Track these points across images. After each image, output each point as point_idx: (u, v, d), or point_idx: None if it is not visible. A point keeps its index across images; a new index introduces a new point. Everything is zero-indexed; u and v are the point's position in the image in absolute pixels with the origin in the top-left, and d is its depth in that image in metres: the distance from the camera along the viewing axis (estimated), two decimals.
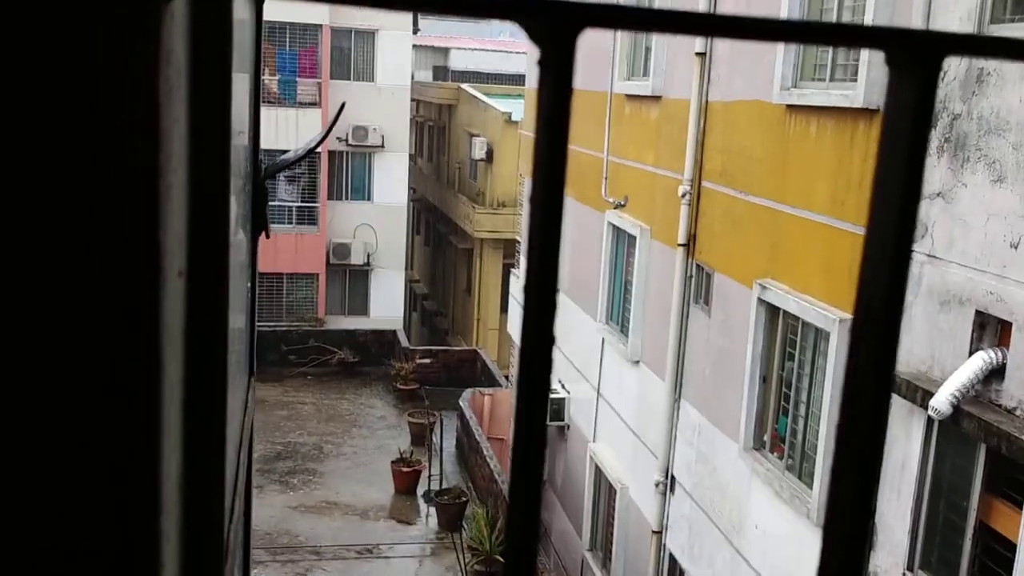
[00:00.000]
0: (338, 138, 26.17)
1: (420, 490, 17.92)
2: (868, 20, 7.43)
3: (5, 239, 0.49)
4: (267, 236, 1.84)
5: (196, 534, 0.80)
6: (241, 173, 1.55)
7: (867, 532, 0.48)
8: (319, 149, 25.56)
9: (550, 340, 0.41)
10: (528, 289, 0.39)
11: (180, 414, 0.72)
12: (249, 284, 1.80)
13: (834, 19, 8.20)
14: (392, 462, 18.11)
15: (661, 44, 11.51)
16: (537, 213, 0.39)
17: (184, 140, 0.65)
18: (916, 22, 6.86)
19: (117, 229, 0.49)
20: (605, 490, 13.23)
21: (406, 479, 17.90)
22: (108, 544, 0.55)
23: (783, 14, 8.66)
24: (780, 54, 8.71)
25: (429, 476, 17.77)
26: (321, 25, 25.72)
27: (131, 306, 0.51)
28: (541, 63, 0.37)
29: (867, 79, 7.40)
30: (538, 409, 0.41)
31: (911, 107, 0.44)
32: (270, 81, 25.60)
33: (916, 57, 0.44)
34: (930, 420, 6.59)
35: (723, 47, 10.08)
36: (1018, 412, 5.97)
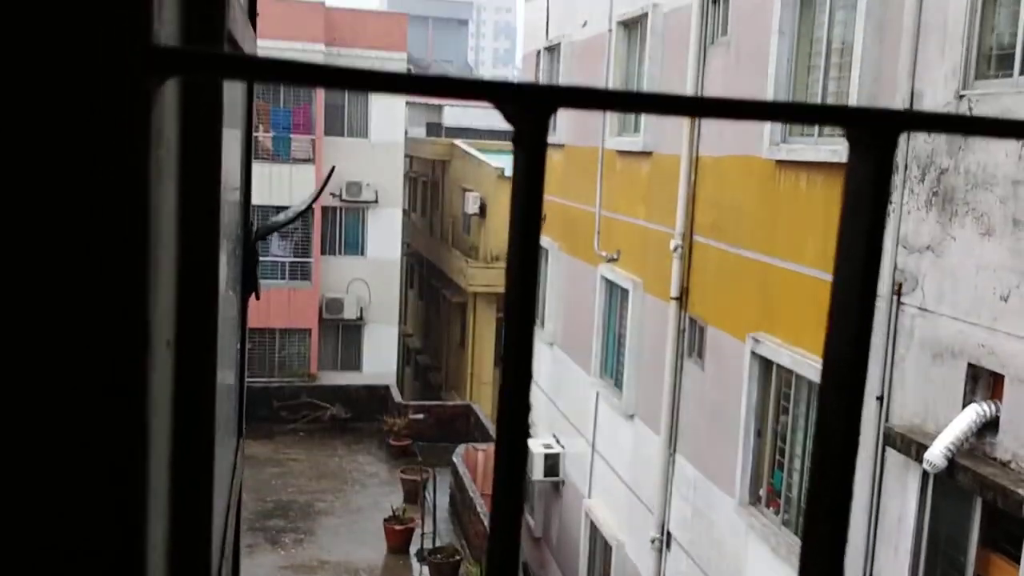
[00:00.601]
0: (332, 193, 26.31)
1: (413, 548, 17.67)
2: (855, 76, 7.55)
3: None
4: (257, 298, 1.85)
5: None
6: (232, 235, 1.56)
7: (843, 567, 0.49)
8: (312, 205, 25.69)
9: (526, 410, 0.41)
10: (505, 370, 0.40)
11: (167, 483, 0.72)
12: (239, 345, 1.80)
13: (821, 75, 8.33)
14: (385, 520, 17.90)
15: None
16: (512, 279, 0.39)
17: (173, 214, 0.66)
18: (902, 78, 6.98)
19: (105, 304, 0.50)
20: (601, 547, 13.08)
21: (399, 537, 17.67)
22: None
23: (771, 72, 8.80)
24: None
25: (422, 534, 17.55)
26: None
27: (117, 380, 0.51)
28: (515, 141, 0.38)
29: None
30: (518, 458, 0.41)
31: (869, 181, 0.46)
32: (264, 138, 25.82)
33: (873, 134, 0.46)
34: (925, 474, 6.56)
35: None
36: (1013, 465, 5.94)
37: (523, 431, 0.42)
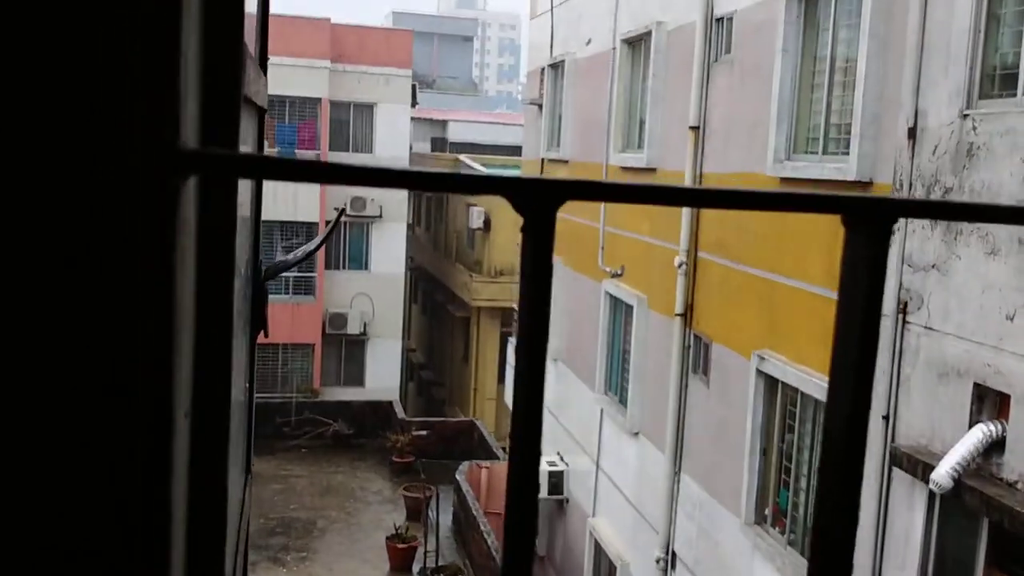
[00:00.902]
0: (336, 208, 26.35)
1: (416, 567, 17.60)
2: (858, 95, 7.55)
3: (21, 389, 0.52)
4: (266, 335, 1.85)
5: None
6: (243, 275, 1.56)
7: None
8: (317, 221, 25.76)
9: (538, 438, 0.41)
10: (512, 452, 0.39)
11: (185, 535, 0.73)
12: (247, 384, 1.80)
13: (824, 93, 8.33)
14: (387, 538, 17.84)
15: (656, 117, 11.68)
16: (522, 361, 0.39)
17: (191, 293, 0.69)
18: (906, 97, 6.97)
19: (135, 386, 0.53)
20: (605, 566, 13.01)
21: (401, 556, 17.60)
22: None
23: (774, 91, 8.81)
24: (773, 127, 8.83)
25: (425, 552, 17.48)
26: (320, 99, 26.13)
27: (145, 453, 0.54)
28: (523, 231, 0.38)
29: (859, 152, 7.49)
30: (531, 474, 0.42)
31: (867, 265, 0.47)
32: (270, 153, 25.88)
33: (869, 220, 0.47)
34: (932, 494, 6.52)
35: (717, 120, 10.23)
36: (1019, 486, 5.91)
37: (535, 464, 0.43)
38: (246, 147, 1.64)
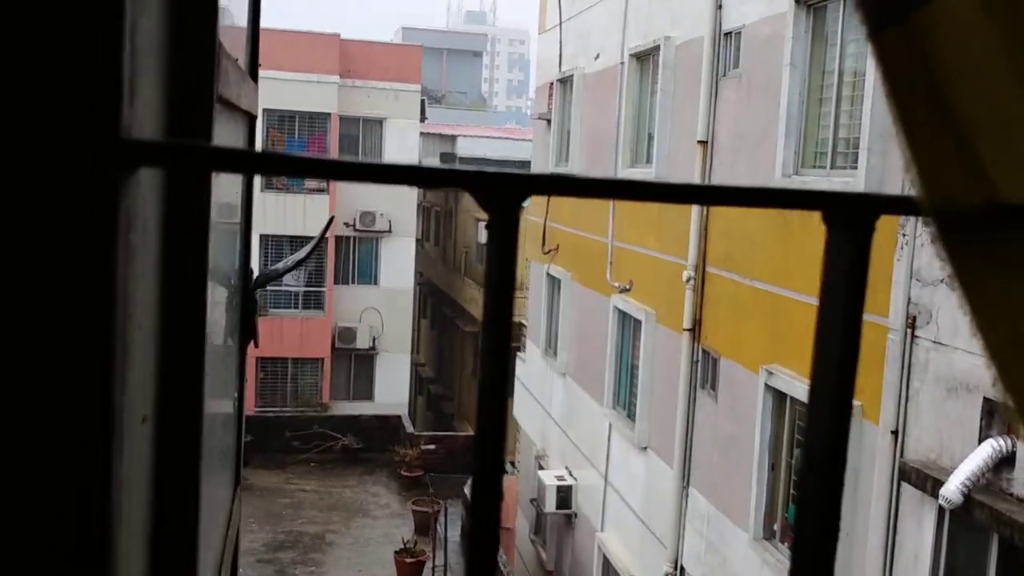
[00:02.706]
0: (345, 223, 26.47)
1: None
2: (867, 108, 7.55)
3: None
4: (256, 345, 1.85)
5: None
6: (230, 285, 1.56)
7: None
8: (327, 236, 25.82)
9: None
10: (480, 421, 0.40)
11: (147, 549, 0.71)
12: (236, 394, 1.80)
13: (833, 107, 8.34)
14: (395, 552, 17.80)
15: (664, 132, 11.70)
16: (486, 363, 0.39)
17: (154, 291, 0.67)
18: None
19: (70, 386, 0.51)
20: None
21: (410, 570, 17.55)
22: None
23: (782, 105, 8.81)
24: (781, 141, 8.84)
25: (433, 567, 17.43)
26: (330, 114, 26.24)
27: (82, 463, 0.52)
28: (488, 226, 0.38)
29: (867, 166, 7.49)
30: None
31: (847, 265, 0.46)
32: None
33: (851, 217, 0.46)
34: (941, 509, 6.48)
35: (725, 134, 10.24)
36: None
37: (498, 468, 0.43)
38: (237, 141, 1.63)
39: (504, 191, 0.37)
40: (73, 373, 0.50)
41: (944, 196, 0.45)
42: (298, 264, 3.46)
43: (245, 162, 0.41)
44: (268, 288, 25.63)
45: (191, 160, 0.45)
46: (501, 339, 0.38)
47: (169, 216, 0.72)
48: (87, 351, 0.50)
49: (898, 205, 0.50)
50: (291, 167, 0.39)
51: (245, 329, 1.74)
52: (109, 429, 0.52)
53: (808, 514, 0.49)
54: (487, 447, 0.39)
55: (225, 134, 1.33)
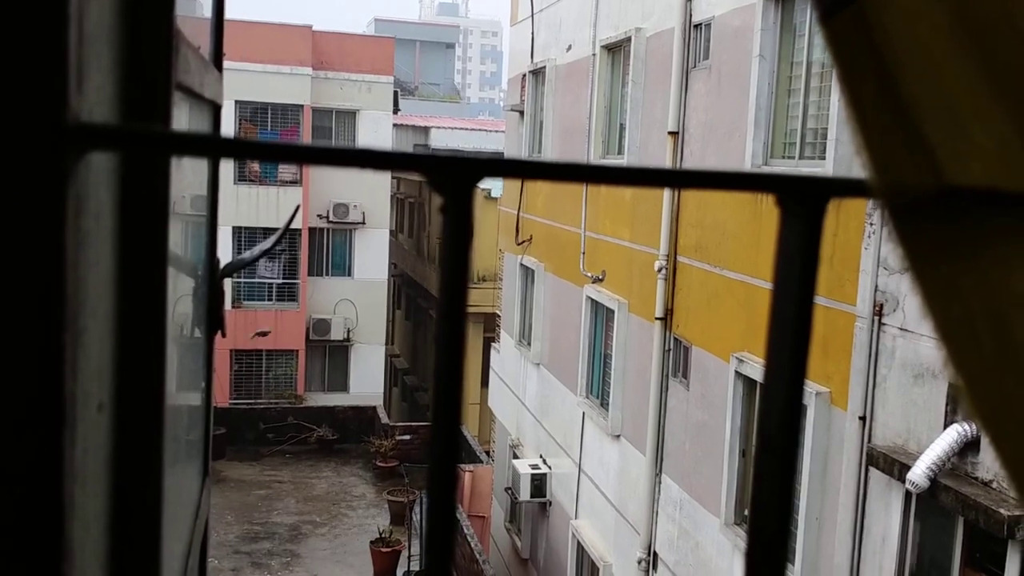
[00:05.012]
0: (319, 215, 26.34)
1: (400, 571, 17.58)
2: (835, 99, 7.64)
3: None
4: (223, 335, 1.86)
5: None
6: (195, 274, 1.57)
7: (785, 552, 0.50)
8: (300, 227, 25.69)
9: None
10: (434, 428, 0.42)
11: (106, 540, 0.72)
12: (204, 384, 1.81)
13: (801, 98, 8.42)
14: (371, 542, 17.80)
15: (635, 123, 11.75)
16: (441, 343, 0.42)
17: (108, 279, 0.67)
18: None
19: (13, 383, 0.50)
20: (588, 568, 13.04)
21: (385, 560, 17.57)
22: None
23: (751, 95, 8.89)
24: (751, 131, 8.91)
25: (409, 556, 17.46)
26: (303, 105, 26.08)
27: (30, 444, 0.51)
28: (442, 210, 0.41)
29: (835, 157, 7.57)
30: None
31: (800, 247, 0.48)
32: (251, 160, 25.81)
33: (803, 200, 0.47)
34: (908, 494, 6.59)
35: (695, 126, 10.31)
36: (994, 485, 5.99)
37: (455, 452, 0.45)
38: (203, 127, 1.64)
39: (456, 174, 0.40)
40: (20, 359, 0.50)
41: (893, 179, 0.45)
42: (265, 253, 3.45)
43: (194, 146, 0.43)
44: (242, 280, 25.48)
45: (141, 143, 0.46)
46: (456, 324, 0.40)
47: (125, 202, 0.72)
48: (35, 338, 0.50)
49: (850, 188, 0.51)
50: (246, 151, 0.40)
51: (212, 318, 1.75)
52: (60, 416, 0.51)
53: (763, 493, 0.50)
54: (446, 432, 0.41)
55: (188, 123, 1.34)
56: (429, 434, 0.44)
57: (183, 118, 1.25)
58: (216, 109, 1.81)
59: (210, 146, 0.42)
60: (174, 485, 1.17)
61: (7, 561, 0.52)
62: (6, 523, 0.51)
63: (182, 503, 1.40)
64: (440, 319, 0.41)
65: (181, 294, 1.28)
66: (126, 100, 0.73)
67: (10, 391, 0.50)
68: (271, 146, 0.40)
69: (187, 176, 1.34)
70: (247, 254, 3.47)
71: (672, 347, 10.70)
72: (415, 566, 17.27)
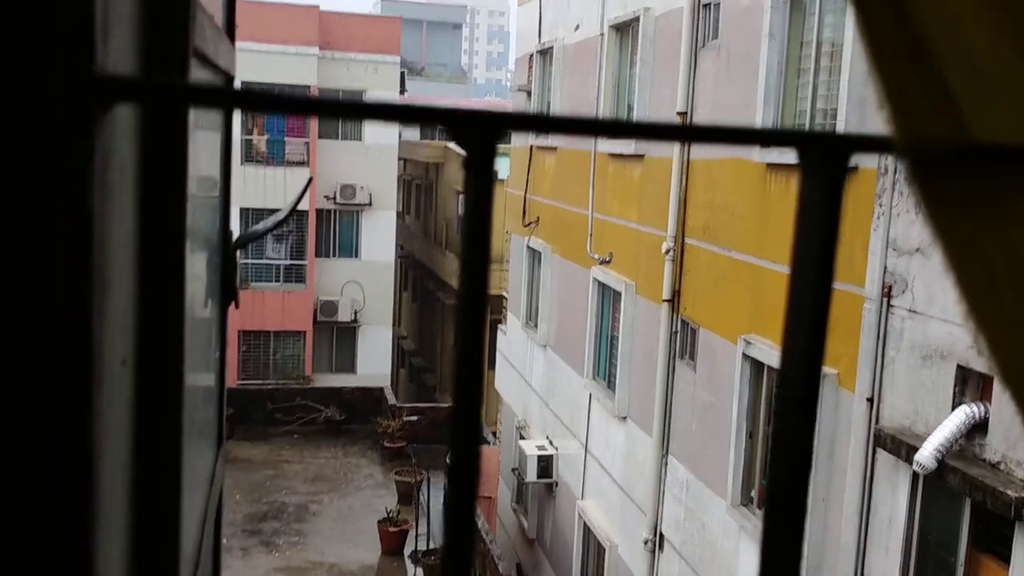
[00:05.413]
0: (326, 196, 26.35)
1: (407, 550, 17.69)
2: (844, 79, 7.59)
3: None
4: (236, 306, 1.86)
5: None
6: (210, 244, 1.58)
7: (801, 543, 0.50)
8: (307, 209, 25.70)
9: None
10: (457, 376, 0.42)
11: (126, 500, 0.73)
12: (218, 353, 1.82)
13: (811, 78, 8.37)
14: (379, 522, 17.91)
15: (643, 103, 11.70)
16: (462, 303, 0.42)
17: (130, 234, 0.67)
18: None
19: (47, 324, 0.51)
20: (594, 548, 13.10)
21: (393, 539, 17.68)
22: None
23: (761, 75, 8.84)
24: (760, 111, 8.87)
25: (416, 536, 17.57)
26: (309, 86, 26.04)
27: (61, 402, 0.52)
28: (465, 165, 0.41)
29: None
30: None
31: (821, 205, 0.46)
32: (259, 141, 25.82)
33: (825, 156, 0.46)
34: (915, 475, 6.60)
35: (704, 107, 10.26)
36: (1002, 466, 5.98)
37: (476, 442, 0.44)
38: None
39: (480, 128, 0.39)
40: (53, 305, 0.51)
41: (915, 133, 0.44)
42: (278, 224, 3.47)
43: (220, 98, 0.43)
44: (250, 262, 25.52)
45: (166, 96, 0.47)
46: (478, 285, 0.39)
47: (146, 156, 0.72)
48: (68, 284, 0.51)
49: (872, 144, 0.50)
50: (266, 104, 0.40)
51: (226, 289, 1.75)
52: (89, 363, 0.52)
53: (779, 460, 0.49)
54: (465, 412, 0.41)
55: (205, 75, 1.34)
56: (449, 410, 0.43)
57: (198, 83, 1.24)
58: (229, 80, 1.80)
59: (232, 98, 0.41)
60: (190, 450, 1.18)
61: (40, 485, 0.53)
62: (40, 452, 0.52)
63: (197, 469, 1.41)
64: (464, 270, 0.40)
65: (196, 260, 1.29)
66: (145, 61, 0.73)
67: (41, 332, 0.51)
68: (297, 99, 0.40)
69: (199, 144, 1.34)
70: (260, 225, 3.49)
71: (679, 329, 10.69)
72: (422, 545, 17.36)
